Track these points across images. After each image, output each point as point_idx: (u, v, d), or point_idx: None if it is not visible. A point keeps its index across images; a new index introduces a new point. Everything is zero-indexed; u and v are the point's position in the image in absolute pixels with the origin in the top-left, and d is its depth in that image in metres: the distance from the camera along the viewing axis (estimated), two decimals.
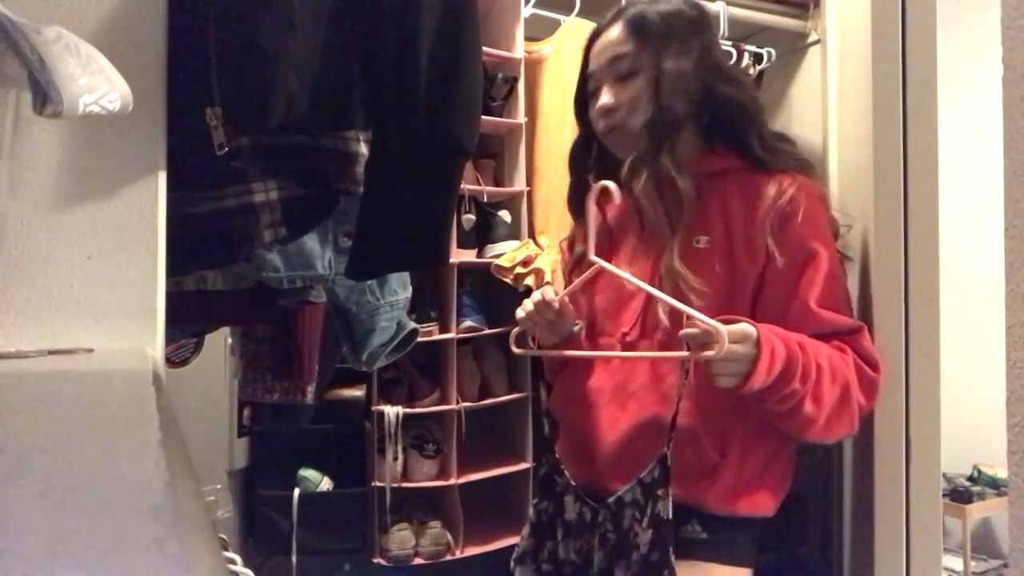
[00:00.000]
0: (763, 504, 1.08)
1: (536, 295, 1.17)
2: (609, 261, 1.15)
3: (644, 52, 1.11)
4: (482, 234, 2.03)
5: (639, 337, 1.13)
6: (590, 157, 1.24)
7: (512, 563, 1.22)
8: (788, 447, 1.13)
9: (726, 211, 1.11)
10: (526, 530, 1.23)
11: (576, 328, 1.20)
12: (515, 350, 1.20)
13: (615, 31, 1.15)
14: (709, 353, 0.95)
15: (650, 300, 1.11)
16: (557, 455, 1.22)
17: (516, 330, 1.19)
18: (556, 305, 1.14)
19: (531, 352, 1.22)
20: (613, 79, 1.14)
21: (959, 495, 2.82)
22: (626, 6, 1.18)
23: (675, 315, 1.05)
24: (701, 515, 1.07)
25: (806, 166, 1.16)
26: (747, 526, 1.09)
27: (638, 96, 1.11)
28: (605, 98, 1.14)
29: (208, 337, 1.47)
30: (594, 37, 1.19)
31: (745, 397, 1.00)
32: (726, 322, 0.96)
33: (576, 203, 1.23)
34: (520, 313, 1.17)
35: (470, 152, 0.94)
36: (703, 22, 1.15)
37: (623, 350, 1.14)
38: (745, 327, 0.97)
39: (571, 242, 1.29)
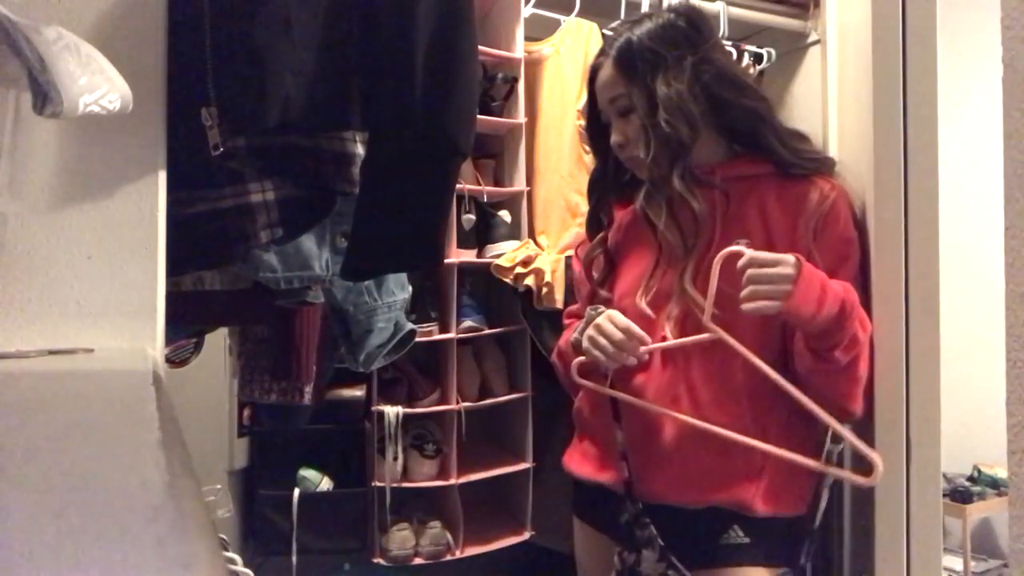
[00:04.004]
0: (801, 503, 1.12)
1: (612, 321, 1.09)
2: (618, 269, 1.19)
3: (634, 87, 1.11)
4: (482, 234, 2.03)
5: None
6: (607, 182, 1.26)
7: None
8: (815, 444, 1.14)
9: (765, 216, 1.12)
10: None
11: (643, 356, 1.12)
12: (578, 380, 1.17)
13: (607, 69, 1.16)
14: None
15: (690, 305, 1.09)
16: (569, 462, 1.24)
17: (581, 359, 1.15)
18: (648, 344, 1.09)
19: (602, 390, 1.15)
20: (617, 115, 1.16)
21: (959, 495, 2.82)
22: (614, 35, 1.17)
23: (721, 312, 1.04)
24: (742, 519, 1.08)
25: (828, 164, 1.18)
26: (781, 527, 1.10)
27: (638, 131, 1.12)
28: (615, 135, 1.17)
29: (208, 337, 1.47)
30: (594, 72, 1.20)
31: (811, 342, 1.01)
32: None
33: (595, 225, 1.27)
34: (594, 344, 1.10)
35: (466, 153, 0.94)
36: (696, 32, 1.13)
37: (662, 354, 1.13)
38: (779, 255, 0.97)
39: (588, 262, 1.27)
